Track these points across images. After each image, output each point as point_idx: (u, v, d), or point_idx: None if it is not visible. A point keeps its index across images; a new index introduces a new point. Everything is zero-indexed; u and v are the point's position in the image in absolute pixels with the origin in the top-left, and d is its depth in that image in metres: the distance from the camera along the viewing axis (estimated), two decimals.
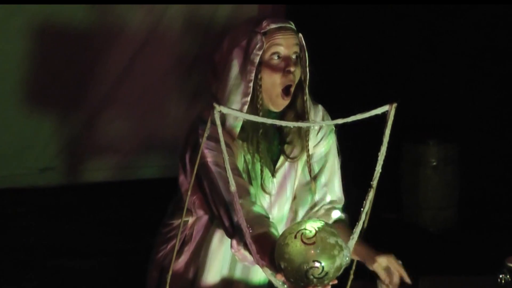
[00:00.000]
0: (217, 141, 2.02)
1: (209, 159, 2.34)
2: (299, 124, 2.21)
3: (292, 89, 2.40)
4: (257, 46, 2.34)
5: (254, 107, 2.37)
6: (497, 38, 4.84)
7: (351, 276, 2.25)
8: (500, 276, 2.46)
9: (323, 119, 2.52)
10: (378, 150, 2.01)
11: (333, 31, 5.10)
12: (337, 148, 2.58)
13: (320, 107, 2.55)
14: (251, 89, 2.35)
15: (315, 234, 2.00)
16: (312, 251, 1.99)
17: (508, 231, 4.33)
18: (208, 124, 1.99)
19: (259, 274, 2.52)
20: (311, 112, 2.48)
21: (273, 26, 2.37)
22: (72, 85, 5.22)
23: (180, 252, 2.50)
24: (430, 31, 4.97)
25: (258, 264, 2.13)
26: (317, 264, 1.99)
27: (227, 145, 1.96)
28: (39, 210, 5.02)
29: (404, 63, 5.00)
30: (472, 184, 4.83)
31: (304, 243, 1.99)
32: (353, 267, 2.25)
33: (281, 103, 2.41)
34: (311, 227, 2.02)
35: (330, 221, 2.50)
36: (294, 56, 2.38)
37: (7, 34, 5.04)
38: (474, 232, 4.60)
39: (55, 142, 5.30)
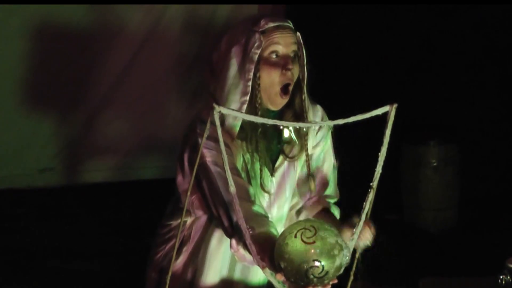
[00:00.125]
0: (216, 140, 2.02)
1: (208, 159, 2.34)
2: (300, 124, 2.21)
3: (291, 88, 2.40)
4: (256, 45, 2.34)
5: (253, 106, 2.37)
6: (498, 38, 4.84)
7: (351, 277, 2.25)
8: (501, 277, 2.47)
9: (321, 119, 2.53)
10: (378, 150, 2.00)
11: (333, 31, 5.10)
12: (333, 148, 2.59)
13: (319, 107, 2.55)
14: (249, 88, 2.35)
15: (315, 233, 2.00)
16: (312, 251, 1.99)
17: (508, 232, 4.33)
18: (208, 125, 1.99)
19: (259, 274, 2.52)
20: (310, 111, 2.48)
21: (271, 24, 2.38)
22: (71, 85, 5.22)
23: (178, 253, 2.50)
24: (431, 32, 4.97)
25: (258, 265, 2.12)
26: (317, 264, 1.98)
27: (226, 144, 1.96)
28: (38, 210, 5.02)
29: (404, 63, 5.00)
30: (472, 185, 4.82)
31: (304, 242, 2.00)
32: (353, 268, 2.24)
33: (280, 102, 2.41)
34: (311, 226, 2.02)
35: (319, 208, 2.51)
36: (292, 55, 2.39)
37: (5, 34, 5.04)
38: (475, 233, 4.60)
39: (54, 142, 5.29)
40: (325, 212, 2.51)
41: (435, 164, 4.74)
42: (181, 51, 5.33)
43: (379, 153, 2.01)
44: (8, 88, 5.12)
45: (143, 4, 5.19)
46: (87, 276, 4.14)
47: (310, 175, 2.51)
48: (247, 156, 2.42)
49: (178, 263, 2.51)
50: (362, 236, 2.27)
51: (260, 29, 2.36)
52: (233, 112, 2.09)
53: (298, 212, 2.58)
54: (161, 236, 2.58)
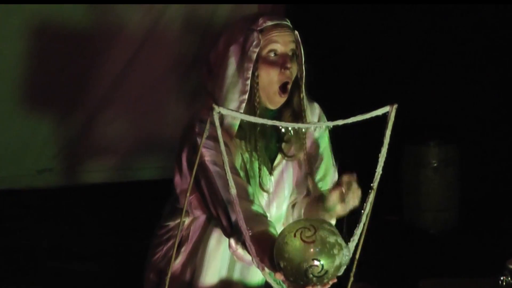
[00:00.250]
0: (215, 140, 2.02)
1: (207, 158, 2.34)
2: (299, 125, 2.20)
3: (289, 86, 2.40)
4: (254, 44, 2.34)
5: (252, 105, 2.37)
6: (498, 38, 4.83)
7: (351, 278, 2.24)
8: (502, 278, 2.46)
9: (319, 118, 2.54)
10: (379, 151, 2.00)
11: (333, 31, 5.09)
12: (333, 148, 2.59)
13: (316, 105, 2.56)
14: (248, 87, 2.35)
15: (315, 232, 2.00)
16: (312, 250, 1.99)
17: (509, 233, 4.32)
18: (207, 126, 1.98)
19: (258, 274, 2.52)
20: (308, 110, 2.48)
21: (269, 23, 2.38)
22: (70, 85, 5.21)
23: (177, 253, 2.49)
24: (431, 32, 4.96)
25: (258, 267, 2.12)
26: (316, 263, 1.99)
27: (225, 144, 1.96)
28: (37, 211, 5.01)
29: (404, 63, 4.99)
30: (473, 186, 4.81)
31: (304, 241, 2.00)
32: (354, 269, 2.24)
33: (278, 101, 2.41)
34: (311, 225, 2.01)
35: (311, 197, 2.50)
36: (290, 53, 2.40)
37: (4, 34, 5.03)
38: (475, 234, 4.59)
39: (53, 143, 5.28)
40: (317, 198, 2.50)
41: (435, 164, 4.73)
42: (181, 51, 5.32)
43: (379, 154, 2.00)
44: (6, 89, 5.11)
45: (143, 4, 5.18)
46: (86, 277, 4.13)
47: (308, 173, 2.51)
48: (246, 155, 2.42)
49: (177, 264, 2.51)
50: (350, 196, 2.26)
51: (259, 28, 2.37)
52: (233, 112, 2.08)
53: (293, 206, 2.58)
54: (159, 237, 2.57)
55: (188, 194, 2.13)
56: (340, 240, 2.03)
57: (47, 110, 5.22)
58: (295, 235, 2.02)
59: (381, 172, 2.01)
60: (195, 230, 2.49)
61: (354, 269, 2.26)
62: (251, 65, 2.35)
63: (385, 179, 2.09)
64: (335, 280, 2.06)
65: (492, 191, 4.88)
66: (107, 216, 4.92)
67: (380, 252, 4.09)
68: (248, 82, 2.35)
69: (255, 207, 2.28)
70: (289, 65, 2.37)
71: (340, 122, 1.98)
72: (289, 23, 2.43)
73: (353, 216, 2.27)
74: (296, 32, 2.42)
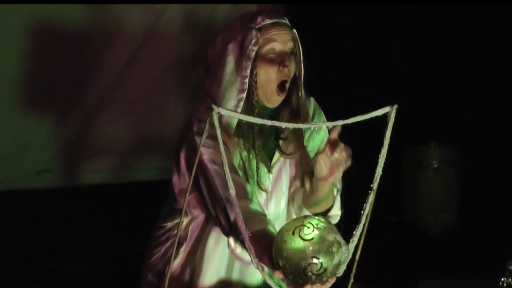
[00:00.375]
0: (213, 138, 2.02)
1: (206, 157, 2.33)
2: (300, 125, 2.19)
3: (288, 85, 2.40)
4: (253, 42, 2.34)
5: (250, 104, 2.37)
6: (499, 39, 4.83)
7: (351, 279, 2.23)
8: (502, 279, 2.45)
9: (314, 113, 2.54)
10: (379, 152, 1.99)
11: (333, 31, 5.09)
12: None
13: (311, 100, 2.56)
14: (246, 85, 2.35)
15: (313, 230, 2.00)
16: (311, 248, 1.99)
17: (510, 234, 4.31)
18: (207, 126, 1.97)
19: (257, 274, 2.51)
20: (306, 108, 2.48)
21: (267, 21, 2.39)
22: (69, 86, 5.20)
23: (175, 254, 2.48)
24: (432, 32, 4.96)
25: (257, 267, 2.11)
26: (315, 261, 1.98)
27: (223, 142, 1.94)
28: (35, 212, 5.00)
29: (405, 64, 4.99)
30: (473, 186, 4.81)
31: (302, 239, 1.99)
32: (353, 270, 2.22)
33: (276, 99, 2.41)
34: (309, 223, 2.01)
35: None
36: (289, 52, 2.38)
37: (3, 34, 5.03)
38: (476, 235, 4.58)
39: (52, 143, 5.28)
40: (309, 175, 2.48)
41: (435, 165, 4.73)
42: (180, 51, 5.32)
43: (379, 155, 1.99)
44: (5, 89, 5.11)
45: (142, 3, 5.17)
46: (84, 278, 4.13)
47: (306, 172, 2.50)
48: (244, 153, 2.42)
49: (176, 264, 2.50)
50: (340, 156, 2.24)
51: (257, 26, 2.37)
52: (233, 113, 2.07)
53: (292, 200, 2.57)
54: (156, 238, 2.57)
55: (187, 194, 2.12)
56: (339, 237, 2.02)
57: (46, 111, 5.21)
58: (293, 233, 2.01)
59: (381, 172, 2.00)
60: (193, 229, 2.49)
61: (354, 270, 2.25)
62: (250, 64, 2.35)
63: (385, 179, 2.08)
64: (335, 279, 2.05)
65: (493, 192, 4.88)
66: (106, 217, 4.92)
67: (380, 253, 4.09)
68: (247, 80, 2.35)
69: (253, 206, 2.28)
70: (287, 63, 2.37)
71: (340, 122, 1.97)
72: (287, 21, 2.43)
73: (352, 217, 2.26)
74: (294, 30, 2.42)
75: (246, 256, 2.22)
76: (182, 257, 2.50)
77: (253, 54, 2.35)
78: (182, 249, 2.50)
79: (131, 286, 2.84)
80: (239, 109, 2.34)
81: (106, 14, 5.16)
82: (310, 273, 1.99)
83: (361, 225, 2.05)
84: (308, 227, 2.01)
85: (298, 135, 2.50)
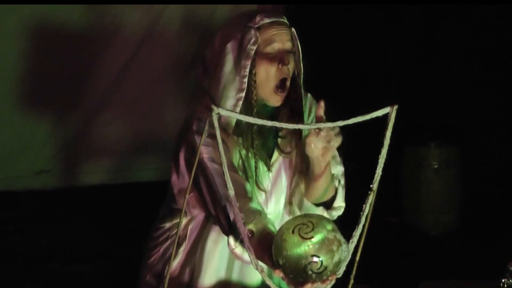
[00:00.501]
0: (212, 137, 2.01)
1: (205, 156, 2.33)
2: (300, 126, 2.18)
3: (288, 83, 2.39)
4: (252, 41, 2.34)
5: (249, 103, 2.37)
6: (499, 39, 4.83)
7: (351, 281, 2.22)
8: (503, 280, 2.45)
9: (310, 107, 2.52)
10: (379, 152, 1.98)
11: (333, 32, 5.09)
12: None
13: (308, 95, 2.55)
14: (245, 85, 2.35)
15: (313, 228, 1.99)
16: (311, 246, 1.98)
17: (510, 235, 4.31)
18: (206, 126, 1.96)
19: (256, 275, 2.51)
20: (306, 107, 2.48)
21: (266, 20, 2.38)
22: (68, 86, 5.20)
23: (175, 254, 2.48)
24: (432, 32, 4.96)
25: (256, 269, 2.10)
26: (315, 259, 1.98)
27: (222, 140, 1.93)
28: (34, 213, 5.01)
29: (405, 64, 4.99)
30: (474, 187, 4.80)
31: (302, 238, 1.99)
32: (353, 271, 2.22)
33: (276, 99, 2.40)
34: (309, 222, 2.01)
35: None
36: (288, 51, 2.38)
37: (2, 34, 5.02)
38: (476, 236, 4.58)
39: (51, 144, 5.28)
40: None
41: (436, 166, 4.72)
42: (180, 51, 5.31)
43: (380, 155, 1.98)
44: (4, 89, 5.11)
45: (141, 4, 5.17)
46: (83, 279, 4.13)
47: (300, 173, 2.50)
48: (243, 152, 2.42)
49: (175, 264, 2.50)
50: (327, 133, 2.23)
51: (256, 25, 2.37)
52: (233, 113, 2.06)
53: (292, 195, 2.56)
54: (155, 239, 2.56)
55: (187, 193, 2.11)
56: (339, 236, 2.02)
57: (45, 111, 5.21)
58: (293, 232, 2.01)
59: (381, 173, 1.99)
60: (193, 229, 2.49)
61: (354, 272, 2.24)
62: (249, 63, 2.34)
63: (385, 180, 2.07)
64: (335, 277, 2.04)
65: (493, 193, 4.87)
66: (105, 218, 4.92)
67: (380, 254, 4.08)
68: (245, 80, 2.35)
69: (253, 205, 2.28)
70: (287, 62, 2.37)
71: (340, 123, 1.96)
72: (286, 20, 2.43)
73: (352, 218, 2.25)
74: (293, 29, 2.42)
75: (246, 255, 2.21)
76: (181, 257, 2.50)
77: (253, 53, 2.34)
78: (181, 249, 2.49)
79: (131, 287, 2.84)
80: (238, 109, 2.33)
81: (106, 14, 5.16)
82: (310, 272, 1.99)
83: (360, 226, 2.05)
84: (308, 226, 2.00)
85: (297, 133, 2.49)
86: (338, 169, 2.52)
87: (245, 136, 2.42)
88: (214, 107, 1.89)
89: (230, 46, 2.37)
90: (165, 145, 5.00)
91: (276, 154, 2.50)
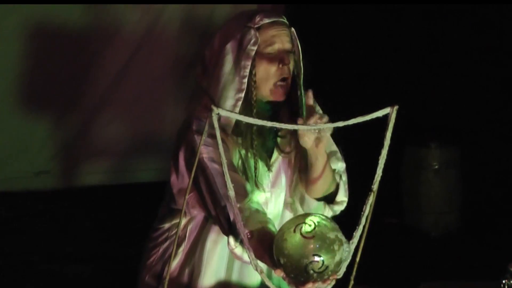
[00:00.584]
0: (212, 136, 2.01)
1: (205, 155, 2.32)
2: (300, 127, 2.18)
3: (289, 81, 2.39)
4: (252, 41, 2.33)
5: (248, 103, 2.36)
6: (500, 40, 4.82)
7: (352, 281, 2.21)
8: (503, 281, 2.44)
9: None
10: (379, 153, 1.97)
11: (333, 32, 5.08)
12: None
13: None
14: (245, 85, 2.34)
15: (314, 227, 1.99)
16: (312, 245, 1.97)
17: (511, 236, 4.30)
18: (206, 127, 1.95)
19: (256, 275, 2.49)
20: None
21: (266, 20, 2.38)
22: (67, 87, 5.20)
23: (174, 254, 2.47)
24: (433, 33, 4.95)
25: (256, 269, 2.10)
26: (317, 258, 1.97)
27: (222, 141, 1.93)
28: (33, 214, 5.00)
29: (405, 65, 4.99)
30: (474, 188, 4.80)
31: (303, 237, 1.98)
32: (354, 272, 2.21)
33: (279, 93, 2.39)
34: (310, 221, 2.00)
35: None
36: (288, 50, 2.37)
37: (1, 34, 5.01)
38: (477, 237, 4.58)
39: (50, 145, 5.28)
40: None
41: (436, 166, 4.72)
42: (179, 51, 5.31)
43: (380, 156, 1.98)
44: (3, 90, 5.11)
45: (141, 4, 5.16)
46: (82, 280, 4.13)
47: (300, 172, 2.49)
48: (243, 151, 2.41)
49: (175, 264, 2.49)
50: (318, 122, 2.23)
51: (255, 25, 2.36)
52: (233, 114, 2.06)
53: (293, 193, 2.55)
54: (154, 239, 2.55)
55: (187, 193, 2.10)
56: (340, 235, 2.01)
57: (44, 112, 5.21)
58: (294, 231, 2.00)
59: (381, 174, 1.99)
60: (192, 229, 2.48)
61: (354, 272, 2.23)
62: (249, 63, 2.34)
63: (385, 181, 2.07)
64: (336, 277, 2.03)
65: (494, 193, 4.87)
66: (104, 219, 4.92)
67: (380, 255, 4.08)
68: (245, 80, 2.34)
69: (253, 204, 2.27)
70: (287, 62, 2.36)
71: (340, 123, 1.96)
72: (285, 20, 2.42)
73: (352, 219, 2.25)
74: (293, 29, 2.41)
75: (246, 256, 2.20)
76: (180, 258, 2.49)
77: (253, 53, 2.34)
78: (181, 249, 2.48)
79: (130, 287, 2.83)
80: (237, 109, 2.33)
81: (105, 14, 5.16)
82: (311, 271, 1.98)
83: (361, 227, 2.04)
84: (309, 225, 2.00)
85: (297, 133, 2.49)
86: (340, 165, 2.52)
87: (244, 136, 2.41)
88: (214, 107, 1.88)
89: (229, 46, 2.36)
90: (164, 146, 5.00)
91: (275, 154, 2.49)
